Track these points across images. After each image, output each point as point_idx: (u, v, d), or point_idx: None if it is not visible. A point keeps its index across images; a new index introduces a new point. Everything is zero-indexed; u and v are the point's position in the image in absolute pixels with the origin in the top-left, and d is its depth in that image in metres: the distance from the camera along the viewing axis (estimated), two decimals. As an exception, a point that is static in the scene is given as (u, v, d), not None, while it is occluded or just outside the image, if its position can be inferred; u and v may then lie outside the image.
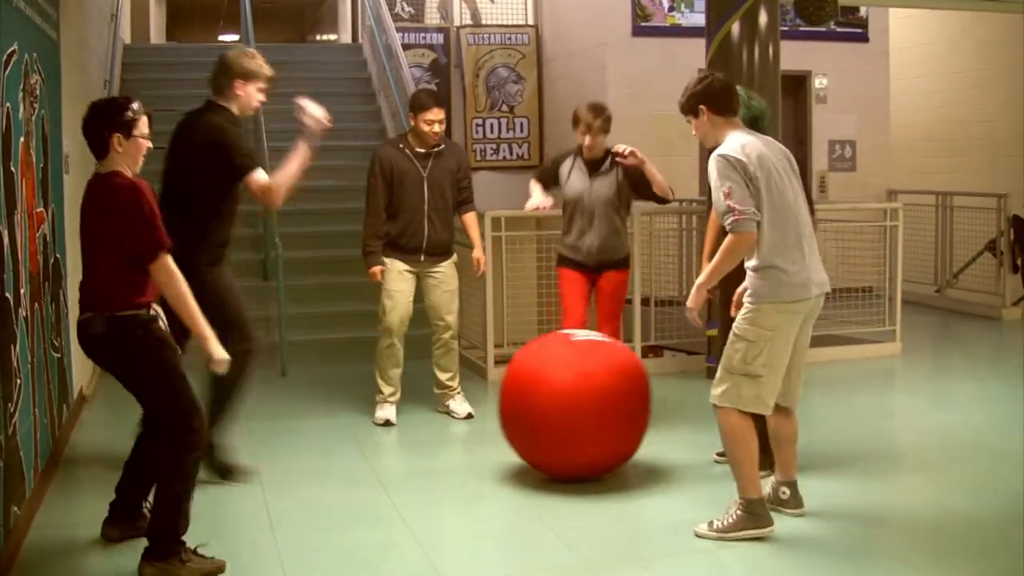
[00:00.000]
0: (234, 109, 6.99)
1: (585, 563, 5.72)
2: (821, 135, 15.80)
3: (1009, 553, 5.76)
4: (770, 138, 6.14)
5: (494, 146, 16.81)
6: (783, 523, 6.08)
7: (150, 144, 5.66)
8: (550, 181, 8.48)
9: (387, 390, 8.76)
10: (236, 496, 6.89)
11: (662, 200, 8.22)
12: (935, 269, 14.66)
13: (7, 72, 5.88)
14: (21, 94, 6.31)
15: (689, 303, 6.07)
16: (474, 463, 7.72)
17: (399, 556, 5.92)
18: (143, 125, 5.60)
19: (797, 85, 15.48)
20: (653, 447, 7.31)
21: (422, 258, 8.63)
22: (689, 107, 6.11)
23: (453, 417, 8.90)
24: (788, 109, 14.80)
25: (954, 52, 16.42)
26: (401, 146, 8.62)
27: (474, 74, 16.69)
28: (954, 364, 11.94)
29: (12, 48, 6.03)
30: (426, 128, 8.48)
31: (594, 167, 8.22)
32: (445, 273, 8.76)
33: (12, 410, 5.75)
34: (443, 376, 8.95)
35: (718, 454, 7.25)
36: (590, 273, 8.33)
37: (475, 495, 7.01)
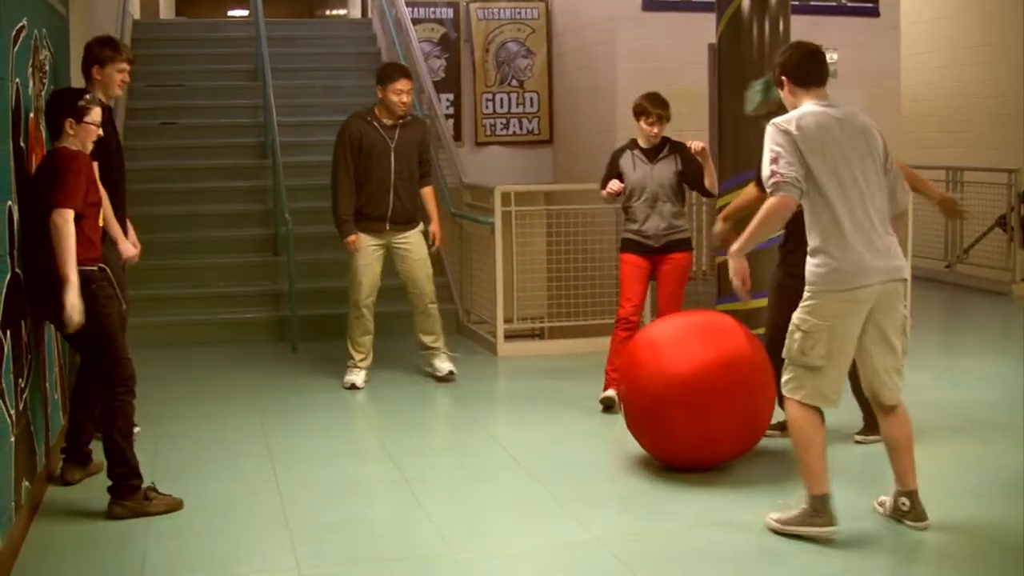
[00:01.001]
0: (99, 94, 7.03)
1: (597, 539, 5.73)
2: (831, 110, 15.73)
3: (1009, 532, 5.76)
4: (858, 113, 5.92)
5: (504, 121, 16.76)
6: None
7: (100, 132, 6.24)
8: (615, 177, 8.51)
9: (358, 356, 9.19)
10: (246, 472, 6.91)
11: (708, 194, 8.43)
12: (945, 245, 14.64)
13: (16, 48, 5.88)
14: (30, 70, 6.31)
15: (730, 273, 5.91)
16: (485, 439, 7.73)
17: (410, 531, 5.93)
18: (95, 114, 6.21)
19: (807, 60, 15.41)
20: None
21: (387, 227, 9.00)
22: (776, 79, 5.94)
23: (435, 375, 9.28)
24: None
25: (965, 26, 16.35)
26: (369, 119, 8.96)
27: (484, 49, 16.64)
28: (963, 340, 11.94)
29: (21, 23, 6.02)
30: (395, 98, 8.83)
31: (653, 154, 8.32)
32: (413, 242, 9.12)
33: (23, 385, 5.78)
34: (427, 339, 9.34)
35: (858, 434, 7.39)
36: (654, 256, 8.35)
37: (486, 470, 7.02)
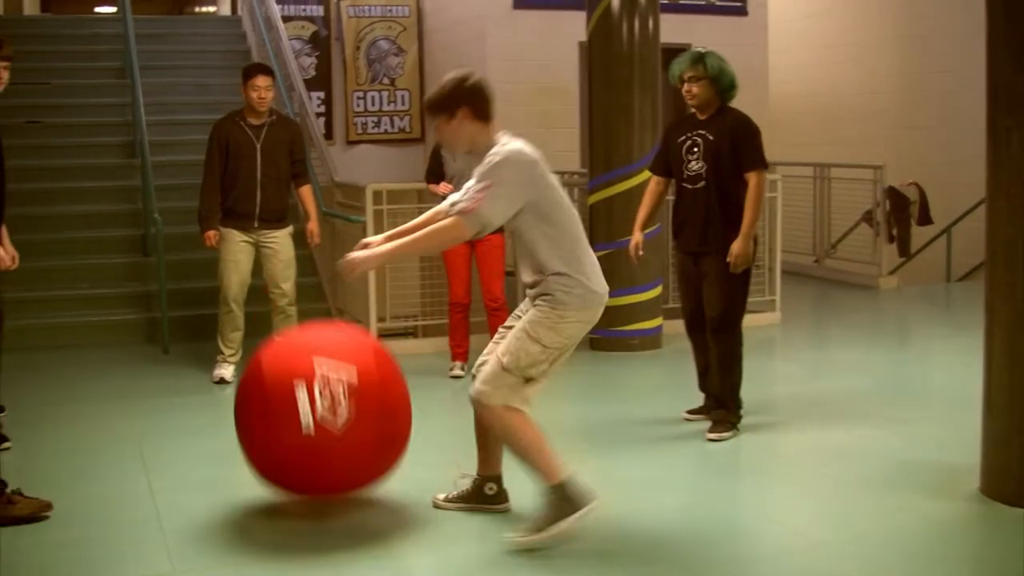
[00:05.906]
0: None
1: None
2: (701, 108, 15.89)
3: (883, 519, 5.86)
4: None
5: (375, 119, 16.73)
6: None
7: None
8: (441, 173, 8.86)
9: (227, 351, 9.31)
10: (118, 476, 6.81)
11: None
12: (813, 240, 14.87)
13: None
14: None
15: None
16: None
17: (286, 530, 5.89)
18: None
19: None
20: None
21: (256, 224, 9.15)
22: (445, 106, 5.63)
23: None
24: (668, 82, 14.87)
25: (832, 25, 16.64)
26: (237, 119, 9.16)
27: (354, 47, 16.59)
28: (832, 332, 12.15)
29: None
30: (253, 94, 9.01)
31: None
32: (280, 243, 9.26)
33: None
34: None
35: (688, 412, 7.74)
36: (470, 241, 8.53)
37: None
